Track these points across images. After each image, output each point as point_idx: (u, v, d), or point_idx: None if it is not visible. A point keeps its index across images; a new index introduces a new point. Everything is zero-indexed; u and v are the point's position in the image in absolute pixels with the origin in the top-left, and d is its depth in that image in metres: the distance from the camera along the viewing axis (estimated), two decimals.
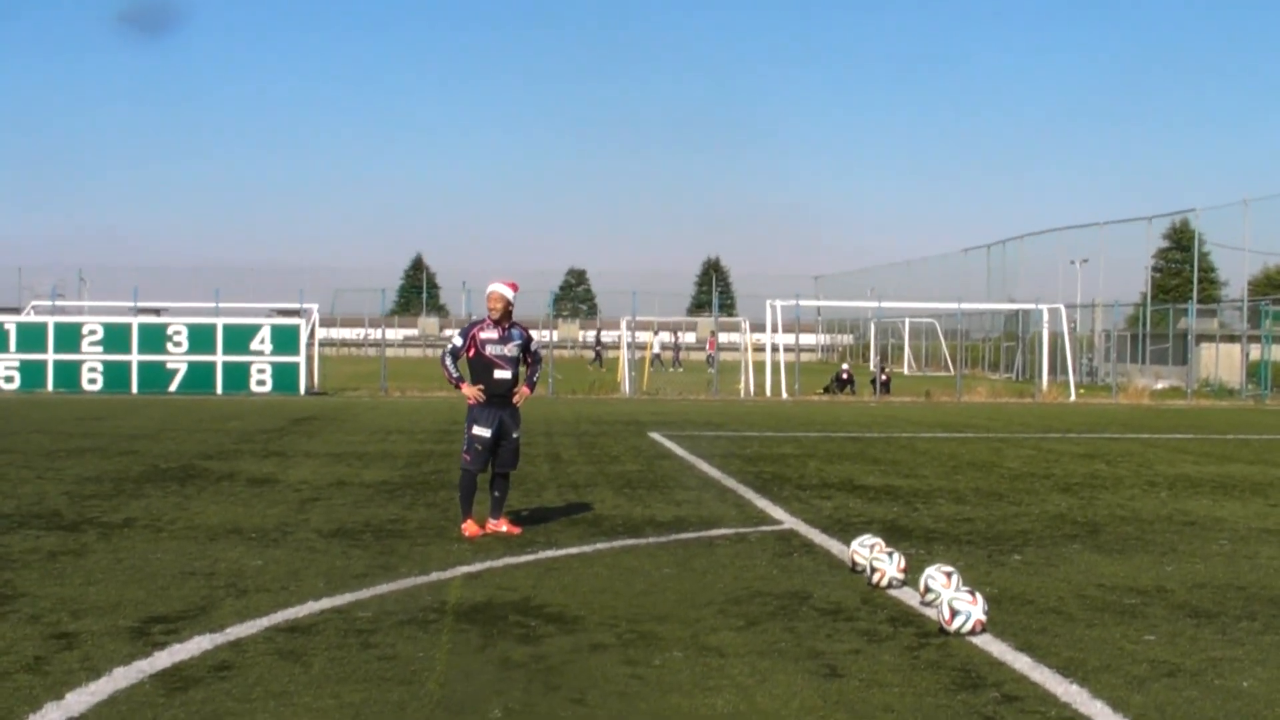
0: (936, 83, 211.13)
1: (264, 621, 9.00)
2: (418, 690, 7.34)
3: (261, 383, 40.98)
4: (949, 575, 9.62)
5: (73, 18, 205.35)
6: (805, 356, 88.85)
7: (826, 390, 45.65)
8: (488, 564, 11.32)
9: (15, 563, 11.17)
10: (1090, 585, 10.60)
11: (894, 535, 13.10)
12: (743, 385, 44.75)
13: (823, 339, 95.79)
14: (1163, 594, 10.28)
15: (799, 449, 22.93)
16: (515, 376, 13.05)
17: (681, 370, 66.71)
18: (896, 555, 10.50)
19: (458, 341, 13.06)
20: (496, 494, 13.16)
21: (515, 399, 13.11)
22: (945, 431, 28.14)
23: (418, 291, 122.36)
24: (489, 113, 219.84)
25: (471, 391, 12.89)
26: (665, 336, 75.48)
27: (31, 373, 40.89)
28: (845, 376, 46.48)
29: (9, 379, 40.81)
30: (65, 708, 6.97)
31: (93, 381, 41.00)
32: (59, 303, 53.00)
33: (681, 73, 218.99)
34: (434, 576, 10.70)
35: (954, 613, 8.74)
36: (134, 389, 40.67)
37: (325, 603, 9.64)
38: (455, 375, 13.02)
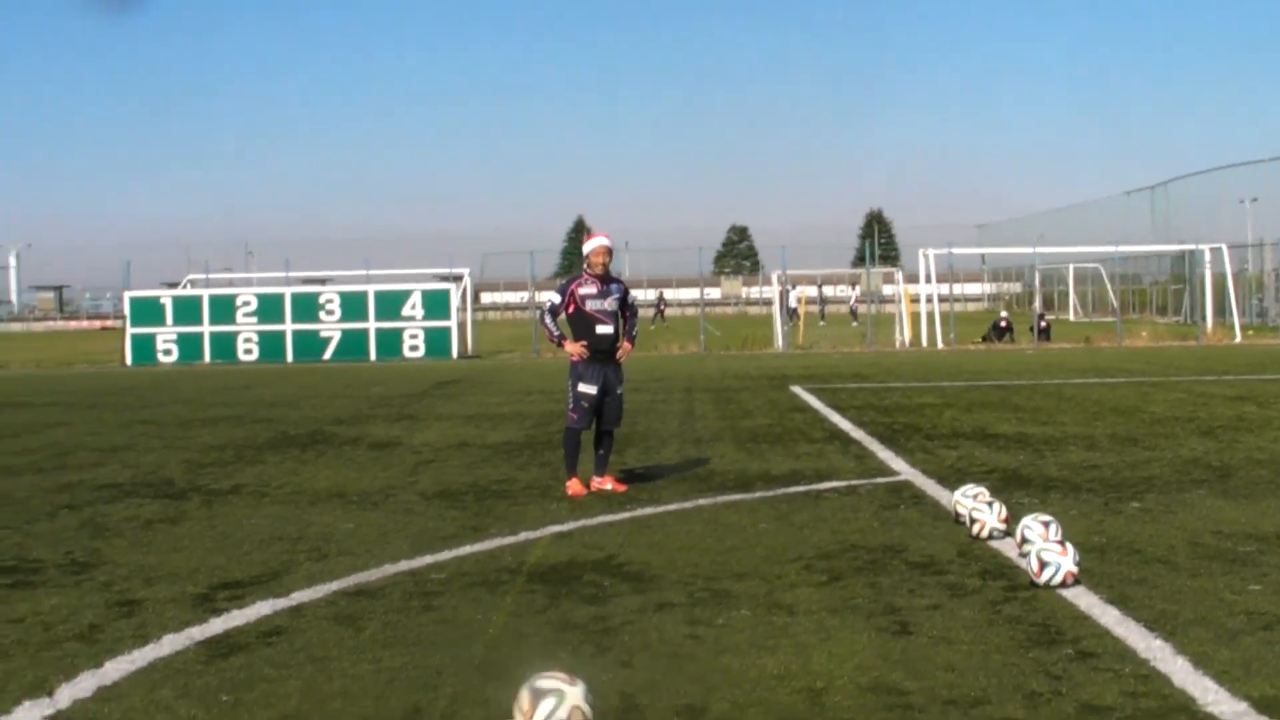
0: (1094, 19, 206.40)
1: (333, 586, 8.82)
2: (461, 653, 7.09)
3: (414, 348, 41.20)
4: (1046, 525, 9.13)
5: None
6: (971, 306, 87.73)
7: (984, 339, 44.74)
8: (581, 523, 11.04)
9: (109, 531, 11.14)
10: (1206, 532, 10.03)
11: (1013, 484, 12.61)
12: (897, 336, 43.96)
13: (988, 288, 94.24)
14: None
15: (940, 399, 22.36)
16: (617, 331, 12.72)
17: (824, 324, 65.86)
18: (997, 505, 10.02)
19: (556, 299, 12.77)
20: (601, 451, 12.90)
21: (619, 355, 12.78)
22: (1097, 377, 27.32)
23: (580, 254, 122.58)
24: (645, 74, 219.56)
25: (575, 348, 12.61)
26: (812, 290, 74.73)
27: (189, 345, 41.55)
28: (1004, 325, 45.52)
29: (167, 352, 41.50)
30: (101, 675, 6.85)
31: (248, 352, 41.54)
32: (213, 275, 53.77)
33: (843, 24, 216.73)
34: (522, 537, 10.45)
35: (1043, 564, 8.28)
36: (289, 358, 41.07)
37: (403, 565, 9.46)
38: (557, 333, 12.75)
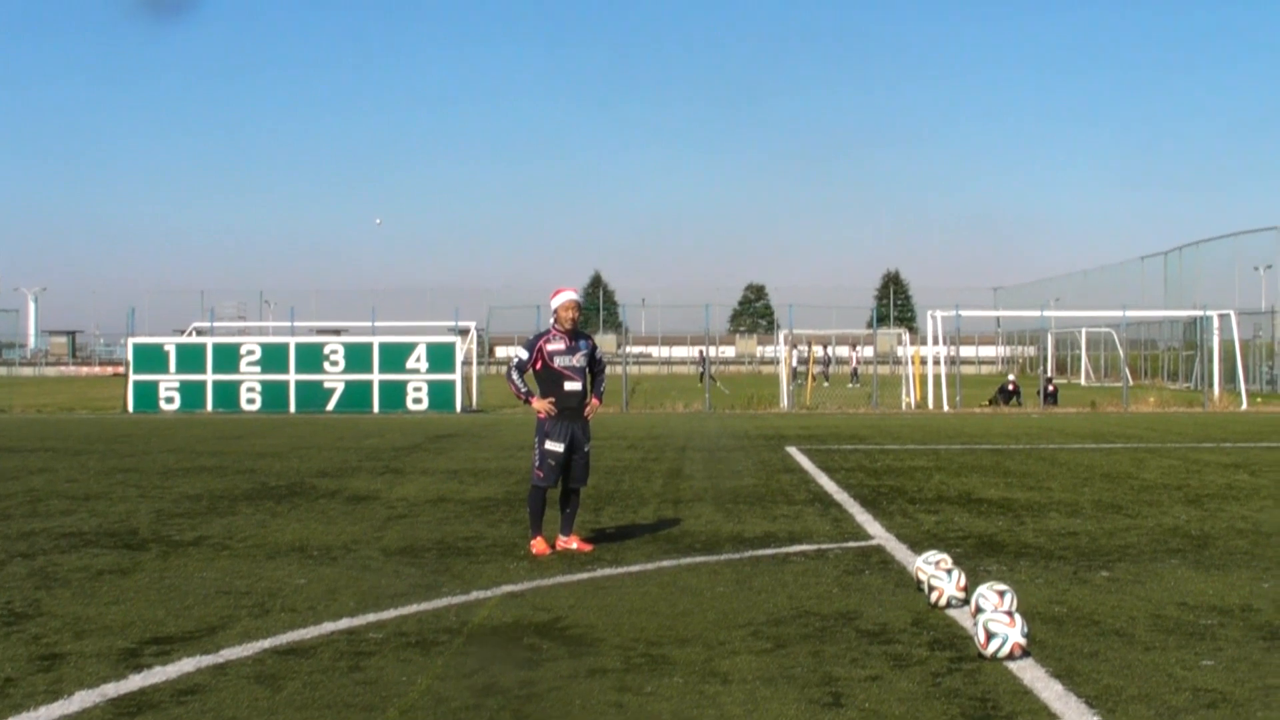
0: (1114, 87, 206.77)
1: (266, 643, 8.62)
2: (372, 718, 6.82)
3: (418, 401, 41.01)
4: (1001, 594, 8.88)
5: (242, 39, 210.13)
6: (985, 369, 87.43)
7: (991, 402, 44.45)
8: (536, 583, 10.82)
9: (56, 582, 10.95)
10: (1170, 604, 9.79)
11: (986, 550, 12.38)
12: (904, 398, 43.70)
13: (1003, 350, 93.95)
14: (1246, 614, 9.43)
15: (932, 462, 22.10)
16: (585, 388, 12.52)
17: (827, 385, 65.51)
18: (956, 572, 9.78)
19: (523, 355, 12.56)
20: (568, 510, 12.68)
21: (587, 412, 12.58)
22: (1095, 442, 27.03)
23: (595, 309, 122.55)
24: (666, 132, 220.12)
25: (543, 405, 12.40)
26: (819, 351, 74.32)
27: (191, 393, 41.44)
28: (1011, 388, 45.25)
29: (169, 399, 41.37)
30: None
31: (251, 401, 41.38)
32: (219, 324, 53.71)
33: (861, 85, 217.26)
34: (474, 596, 10.24)
35: (989, 635, 8.04)
36: (292, 409, 40.90)
37: (344, 623, 9.24)
38: (524, 390, 12.54)
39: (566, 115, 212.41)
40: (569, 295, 12.54)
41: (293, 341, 42.64)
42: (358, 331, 51.36)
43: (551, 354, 12.42)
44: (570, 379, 12.43)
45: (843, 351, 77.47)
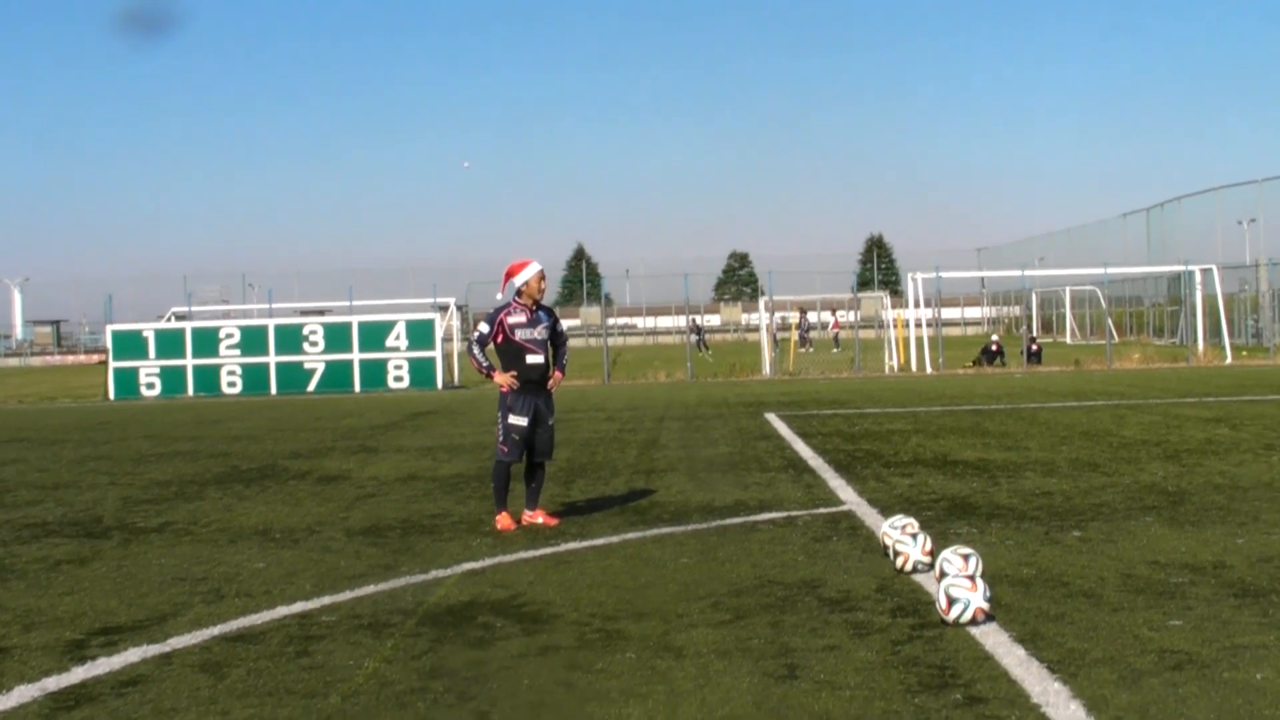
0: (1095, 41, 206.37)
1: (216, 630, 8.45)
2: (315, 705, 6.70)
3: (399, 379, 40.78)
4: (965, 558, 8.67)
5: (224, 25, 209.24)
6: (971, 330, 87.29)
7: (975, 364, 44.29)
8: (498, 559, 10.64)
9: (12, 573, 10.79)
10: (1141, 563, 9.62)
11: (958, 512, 12.22)
12: (887, 362, 43.53)
13: (989, 311, 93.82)
14: (1219, 570, 9.27)
15: (911, 425, 21.94)
16: (547, 361, 12.31)
17: (809, 350, 65.24)
18: (922, 537, 9.60)
19: (484, 329, 12.35)
20: (533, 485, 12.50)
21: (550, 385, 12.37)
22: (1078, 400, 26.88)
23: (579, 282, 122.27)
24: (643, 100, 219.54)
25: (505, 379, 12.20)
26: (810, 317, 74.09)
27: (172, 378, 41.20)
28: (995, 349, 45.06)
29: (150, 385, 41.14)
30: None
31: (232, 385, 41.16)
32: (198, 308, 53.44)
33: (844, 46, 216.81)
34: (432, 575, 10.06)
35: (951, 600, 7.86)
36: (273, 391, 40.67)
37: (298, 606, 9.08)
38: (485, 364, 12.33)
39: (545, 87, 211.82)
40: (536, 267, 12.35)
41: (271, 324, 42.40)
42: (339, 311, 51.07)
43: (513, 327, 12.22)
44: (532, 352, 12.23)
45: (829, 317, 77.22)
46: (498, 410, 12.43)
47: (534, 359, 12.29)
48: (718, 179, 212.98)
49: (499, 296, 12.42)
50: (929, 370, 42.23)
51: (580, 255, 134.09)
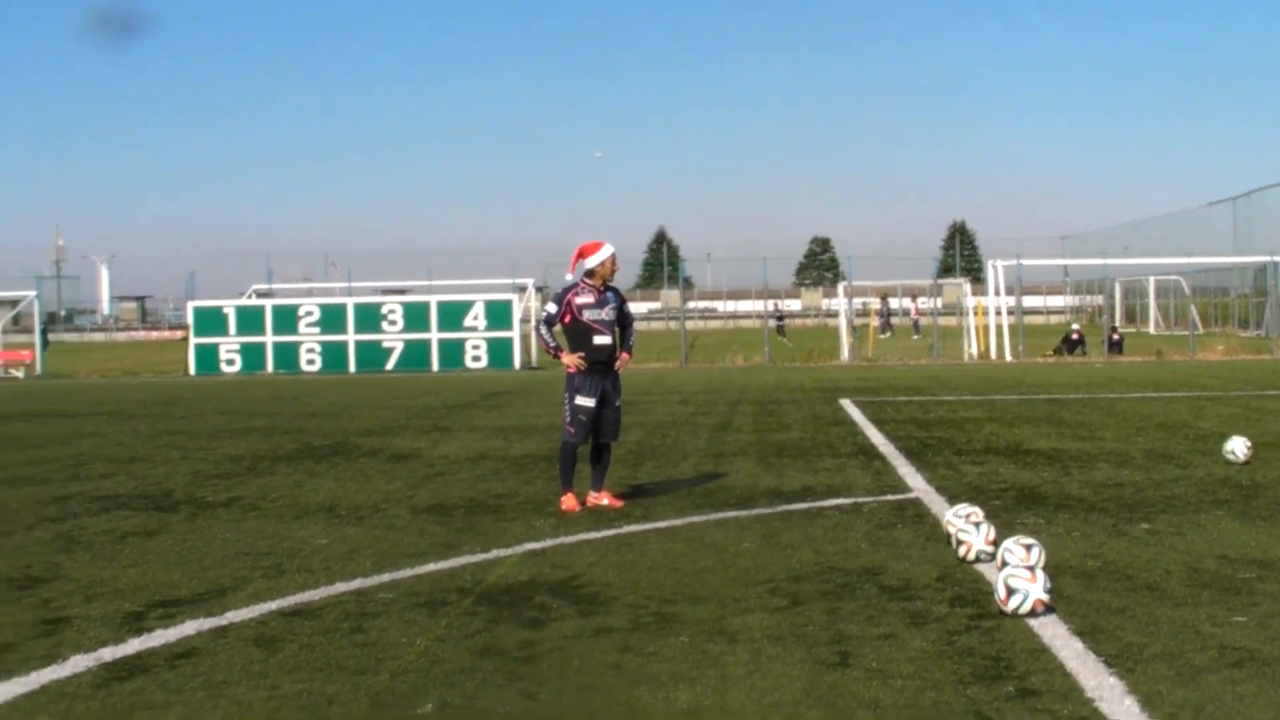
0: (1181, 28, 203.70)
1: (274, 605, 8.47)
2: (364, 680, 6.70)
3: (477, 359, 40.93)
4: (1028, 548, 8.58)
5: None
6: (1054, 319, 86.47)
7: (1056, 352, 43.88)
8: (559, 540, 10.62)
9: (79, 545, 10.85)
10: (1210, 557, 9.46)
11: (1026, 502, 12.08)
12: (965, 349, 43.22)
13: (1072, 300, 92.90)
14: None
15: (987, 413, 21.75)
16: (615, 342, 12.27)
17: (887, 336, 64.75)
18: (985, 526, 9.49)
19: (552, 309, 12.33)
20: (598, 466, 12.46)
21: (617, 366, 12.34)
22: (1156, 391, 26.55)
23: (659, 264, 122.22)
24: (728, 83, 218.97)
25: (573, 360, 12.16)
26: (891, 303, 73.59)
27: (252, 355, 41.57)
28: (1075, 337, 44.62)
29: (230, 362, 41.52)
30: None
31: (311, 363, 41.46)
32: (278, 285, 53.80)
33: (931, 35, 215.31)
34: (493, 554, 10.05)
35: (1010, 591, 7.75)
36: (351, 369, 40.92)
37: (357, 583, 9.09)
38: (553, 344, 12.31)
39: (625, 69, 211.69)
40: (610, 249, 12.30)
41: (351, 302, 42.70)
42: (419, 291, 51.28)
43: (580, 307, 12.18)
44: (600, 333, 12.19)
45: (909, 304, 76.73)
46: (565, 391, 12.38)
47: (601, 340, 12.25)
48: (802, 163, 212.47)
49: (568, 276, 12.38)
50: (1008, 358, 41.89)
51: (661, 238, 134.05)
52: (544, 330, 12.38)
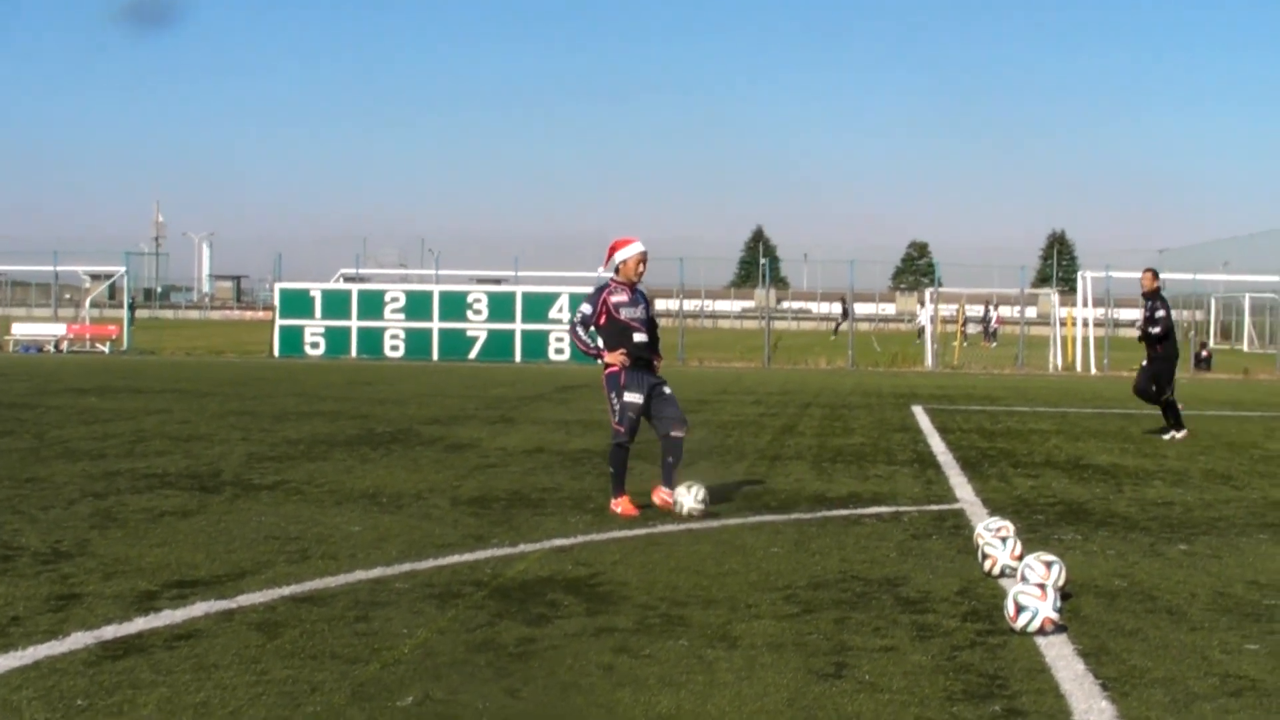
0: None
1: (287, 590, 8.51)
2: (352, 670, 6.71)
3: (559, 351, 40.96)
4: (1049, 565, 8.47)
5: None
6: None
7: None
8: (590, 537, 10.61)
9: (115, 522, 10.95)
10: (1240, 581, 9.29)
11: (1069, 518, 11.94)
12: (1050, 359, 42.77)
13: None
14: None
15: (1055, 425, 21.53)
16: (650, 340, 12.14)
17: (995, 345, 64.07)
18: (1012, 540, 9.37)
19: (587, 310, 12.13)
20: (670, 459, 12.15)
21: (656, 369, 12.22)
22: (1233, 409, 26.17)
23: (755, 263, 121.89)
24: (832, 89, 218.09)
25: (616, 357, 12.01)
26: (977, 310, 72.80)
27: (336, 339, 41.85)
28: None
29: (314, 344, 41.82)
30: None
31: (395, 349, 41.67)
32: (365, 271, 54.17)
33: (1028, 40, 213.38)
34: (519, 549, 10.04)
35: (1019, 608, 7.65)
36: (434, 356, 41.09)
37: (377, 572, 9.10)
38: (593, 345, 12.15)
39: (728, 68, 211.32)
40: (639, 247, 12.14)
41: (436, 290, 42.90)
42: (510, 281, 51.48)
43: (617, 306, 12.04)
44: (639, 330, 12.06)
45: (1005, 311, 75.94)
46: (608, 392, 12.20)
47: (640, 337, 12.09)
48: (904, 166, 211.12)
49: (601, 270, 12.28)
50: (1093, 371, 41.39)
51: (759, 237, 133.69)
52: (580, 332, 12.21)
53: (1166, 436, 19.33)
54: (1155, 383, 19.41)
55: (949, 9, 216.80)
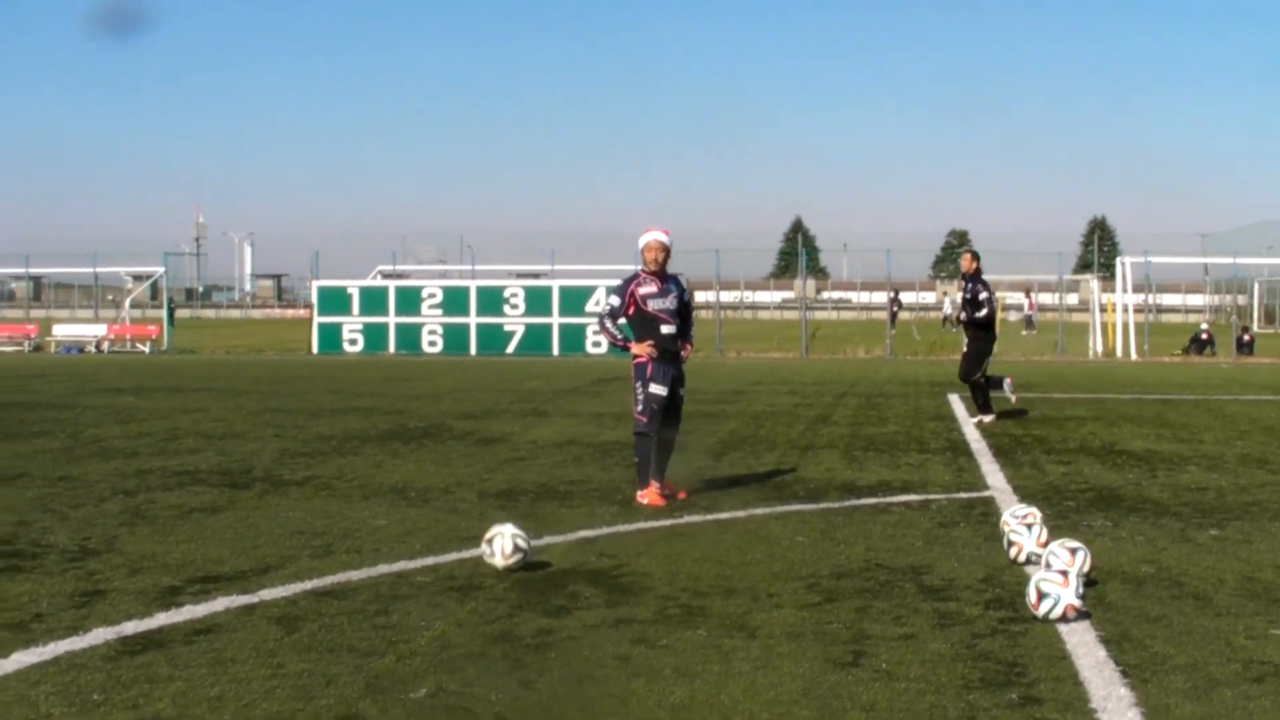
0: None
1: (309, 584, 8.54)
2: (368, 663, 6.72)
3: (596, 344, 40.90)
4: (1073, 552, 8.40)
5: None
6: (1192, 317, 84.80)
7: (1184, 351, 43.04)
8: (616, 528, 10.60)
9: (143, 519, 10.99)
10: (1270, 566, 9.24)
11: (1100, 504, 11.85)
12: (1090, 345, 42.55)
13: (1212, 299, 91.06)
14: None
15: (1092, 411, 21.37)
16: (678, 332, 12.13)
17: (1034, 333, 63.60)
18: (1038, 527, 9.31)
19: (615, 301, 12.16)
20: (660, 454, 12.29)
21: (683, 358, 12.24)
22: (1275, 394, 25.93)
23: (795, 254, 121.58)
24: (870, 78, 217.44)
25: (644, 349, 12.02)
26: (1018, 297, 72.47)
27: (374, 335, 41.98)
28: (1204, 337, 43.71)
29: (353, 341, 41.95)
30: None
31: (433, 344, 41.76)
32: (402, 267, 54.28)
33: (1071, 29, 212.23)
34: (545, 540, 10.03)
35: (1041, 595, 7.60)
36: (472, 351, 41.15)
37: (400, 565, 9.12)
38: (621, 337, 12.18)
39: (766, 60, 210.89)
40: (654, 235, 12.13)
41: (473, 285, 42.98)
42: (547, 275, 51.52)
43: (644, 298, 12.04)
44: (666, 322, 12.06)
45: (1045, 299, 75.59)
46: (634, 381, 12.22)
47: (668, 329, 12.12)
48: (944, 154, 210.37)
49: (638, 266, 12.29)
50: (1134, 357, 41.16)
51: (798, 227, 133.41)
52: (609, 324, 12.24)
53: (974, 420, 19.23)
54: (979, 362, 19.25)
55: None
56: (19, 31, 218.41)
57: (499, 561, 8.87)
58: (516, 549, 8.91)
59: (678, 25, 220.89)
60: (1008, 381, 19.98)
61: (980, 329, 19.37)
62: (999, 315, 21.38)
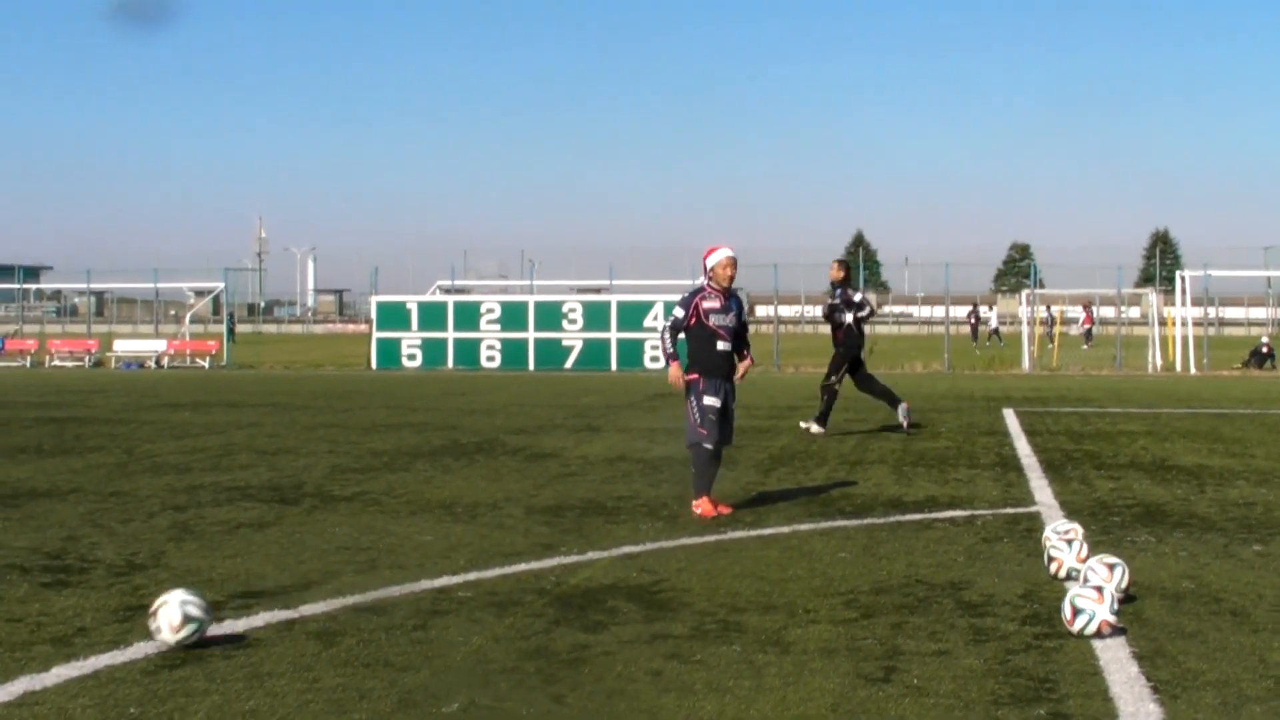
0: None
1: (351, 599, 8.62)
2: (402, 677, 6.80)
3: (655, 359, 41.01)
4: (1111, 568, 8.40)
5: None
6: (1255, 331, 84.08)
7: (1244, 365, 42.70)
8: (659, 544, 10.65)
9: (191, 535, 11.11)
10: None
11: (1146, 519, 11.82)
12: (1149, 360, 42.27)
13: (1275, 312, 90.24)
14: None
15: (1146, 426, 21.26)
16: (734, 351, 12.21)
17: (1090, 347, 63.23)
18: (1079, 543, 9.30)
19: (679, 313, 12.28)
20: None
21: (738, 376, 12.33)
22: None
23: (857, 268, 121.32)
24: (933, 91, 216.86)
25: (674, 376, 12.16)
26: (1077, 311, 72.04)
27: (433, 350, 42.22)
28: (1265, 350, 43.35)
29: (411, 356, 42.20)
30: (39, 680, 6.82)
31: (491, 359, 41.97)
32: (461, 282, 54.54)
33: (1128, 40, 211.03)
34: (587, 556, 10.09)
35: (1076, 611, 7.60)
36: (531, 366, 41.30)
37: (443, 581, 9.20)
38: (671, 352, 12.28)
39: (828, 75, 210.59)
40: (726, 252, 12.26)
41: (532, 300, 43.16)
42: (607, 290, 51.65)
43: (707, 311, 12.16)
44: (722, 339, 12.17)
45: (1107, 312, 75.11)
46: (687, 397, 12.29)
47: (723, 346, 12.21)
48: (1007, 167, 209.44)
49: (701, 280, 12.38)
50: (1193, 371, 40.87)
51: (859, 241, 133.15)
52: (667, 336, 12.34)
53: (803, 425, 19.85)
54: (837, 369, 19.25)
55: (1049, 9, 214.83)
56: (85, 49, 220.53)
57: (168, 636, 7.33)
58: (187, 619, 7.36)
59: (740, 46, 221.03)
60: (904, 406, 19.94)
61: (840, 332, 19.94)
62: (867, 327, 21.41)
